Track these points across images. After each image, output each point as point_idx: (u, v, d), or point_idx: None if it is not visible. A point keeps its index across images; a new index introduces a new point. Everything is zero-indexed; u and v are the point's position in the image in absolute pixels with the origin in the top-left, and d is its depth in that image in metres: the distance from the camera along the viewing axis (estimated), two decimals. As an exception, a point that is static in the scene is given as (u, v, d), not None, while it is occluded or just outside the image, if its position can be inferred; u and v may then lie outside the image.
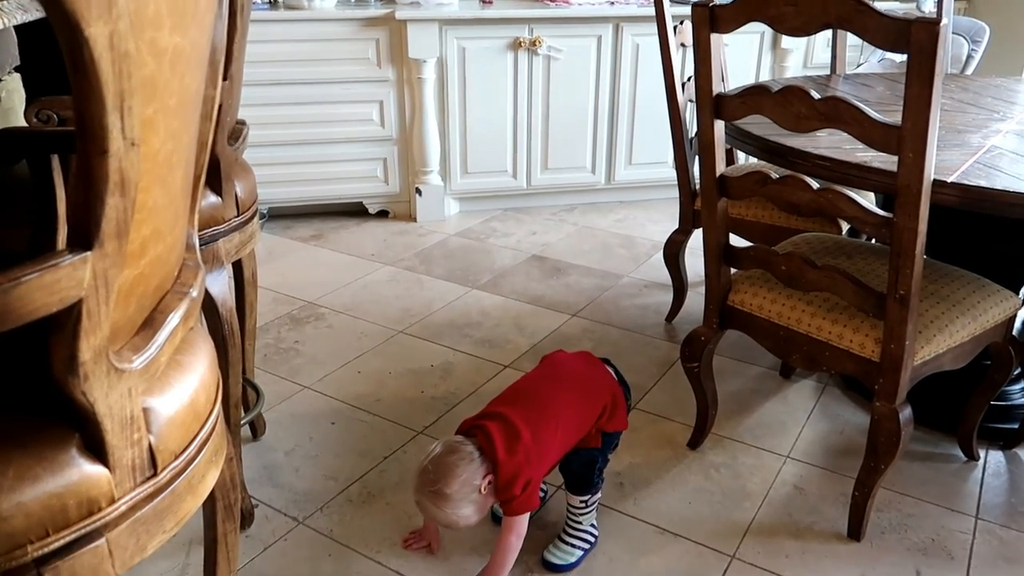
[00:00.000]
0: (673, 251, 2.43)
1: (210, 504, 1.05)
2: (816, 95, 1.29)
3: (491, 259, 3.04)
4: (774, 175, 1.45)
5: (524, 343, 2.40)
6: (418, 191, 3.35)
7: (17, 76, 1.74)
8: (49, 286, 0.55)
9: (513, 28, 3.16)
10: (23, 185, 1.26)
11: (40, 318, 0.57)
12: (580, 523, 1.56)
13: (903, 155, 1.23)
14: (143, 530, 0.74)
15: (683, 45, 2.33)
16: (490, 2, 3.31)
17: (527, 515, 1.44)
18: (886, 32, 1.15)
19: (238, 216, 1.44)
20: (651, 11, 3.15)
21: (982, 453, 1.90)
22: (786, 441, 1.95)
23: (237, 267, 1.73)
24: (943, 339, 1.52)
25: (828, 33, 3.39)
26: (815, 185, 1.39)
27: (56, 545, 0.67)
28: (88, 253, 0.58)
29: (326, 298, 2.69)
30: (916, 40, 1.13)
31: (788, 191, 1.42)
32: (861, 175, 1.45)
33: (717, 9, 1.37)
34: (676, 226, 2.44)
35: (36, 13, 1.09)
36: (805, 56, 3.50)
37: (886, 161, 1.44)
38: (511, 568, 1.47)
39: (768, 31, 3.36)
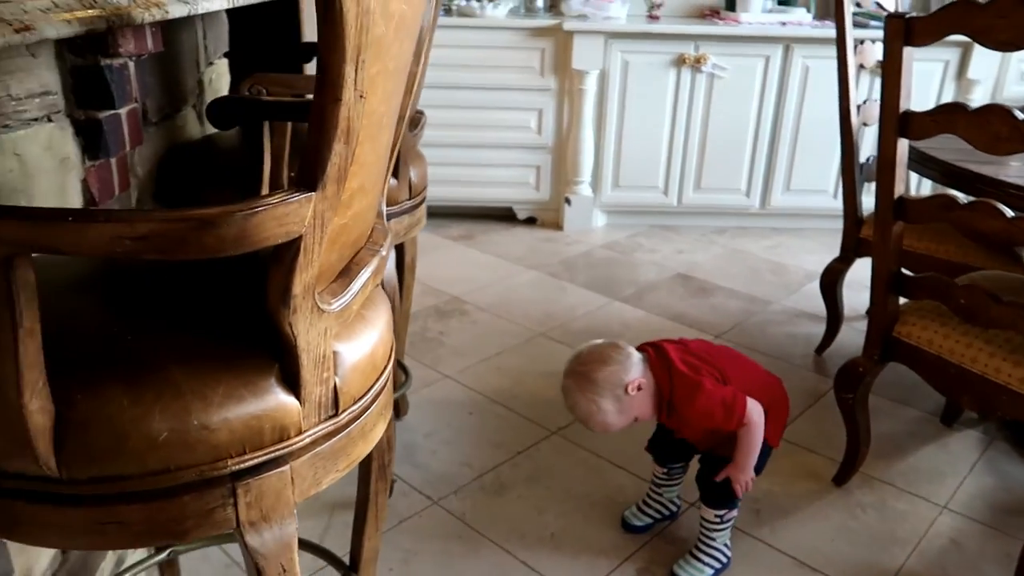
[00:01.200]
0: (831, 280, 2.33)
1: (366, 463, 1.11)
2: (1021, 115, 1.21)
3: (635, 273, 3.02)
4: (962, 199, 1.37)
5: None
6: (567, 200, 3.39)
7: (224, 61, 1.91)
8: (280, 218, 0.61)
9: (679, 44, 3.14)
10: (232, 151, 1.38)
11: (266, 247, 0.63)
12: (714, 540, 1.51)
13: (1120, 184, 1.13)
14: (320, 465, 0.80)
15: (861, 66, 2.23)
16: (657, 17, 3.31)
17: (753, 409, 1.38)
18: (1113, 48, 1.06)
19: (410, 199, 1.51)
20: (823, 33, 3.07)
21: None
22: (944, 491, 1.81)
23: (399, 250, 1.81)
24: None
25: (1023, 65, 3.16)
26: (1010, 213, 1.30)
27: (251, 463, 0.72)
28: (312, 194, 0.63)
29: (471, 295, 2.76)
30: None
31: (978, 218, 1.33)
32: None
33: (914, 21, 1.31)
34: (833, 256, 2.34)
35: None
36: (994, 89, 3.27)
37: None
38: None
39: (954, 59, 3.17)
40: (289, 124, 1.15)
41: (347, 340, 0.81)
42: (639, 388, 1.37)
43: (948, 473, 1.88)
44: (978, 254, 2.00)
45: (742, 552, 1.59)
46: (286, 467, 0.76)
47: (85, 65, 1.11)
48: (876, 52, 2.29)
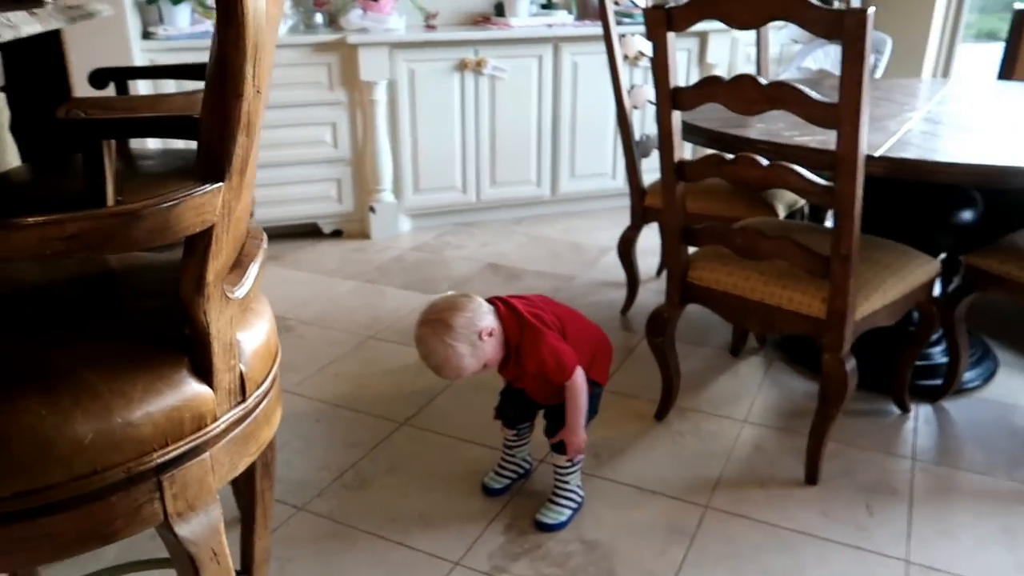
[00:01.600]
0: (626, 246, 2.61)
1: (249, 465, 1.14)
2: (764, 81, 1.48)
3: (448, 269, 3.16)
4: (728, 156, 1.64)
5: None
6: (372, 209, 3.45)
7: (2, 95, 1.79)
8: (197, 208, 0.66)
9: (459, 50, 3.32)
10: (71, 174, 1.32)
11: (183, 237, 0.68)
12: (567, 483, 1.68)
13: (841, 129, 1.43)
14: (235, 450, 0.84)
15: (626, 57, 2.53)
16: (434, 27, 3.47)
17: (579, 374, 1.54)
18: (823, 21, 1.35)
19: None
20: (587, 31, 3.39)
21: (913, 407, 2.11)
22: (742, 408, 2.13)
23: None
24: (879, 297, 1.72)
25: (752, 51, 3.69)
26: (765, 162, 1.58)
27: (174, 454, 0.76)
28: (221, 184, 0.69)
29: (293, 311, 2.75)
30: (848, 27, 1.34)
31: (742, 169, 1.61)
32: (799, 155, 1.65)
33: (672, 10, 1.55)
34: (620, 231, 2.63)
35: (26, 30, 1.18)
36: (728, 71, 3.78)
37: (821, 143, 1.65)
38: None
39: (695, 47, 3.63)
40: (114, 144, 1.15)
41: (245, 329, 0.86)
42: (491, 334, 1.50)
43: (743, 394, 2.20)
44: (742, 208, 2.36)
45: (592, 491, 1.77)
46: (206, 454, 0.80)
47: None
48: (635, 44, 2.59)
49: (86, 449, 0.70)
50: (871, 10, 1.30)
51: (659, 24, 1.56)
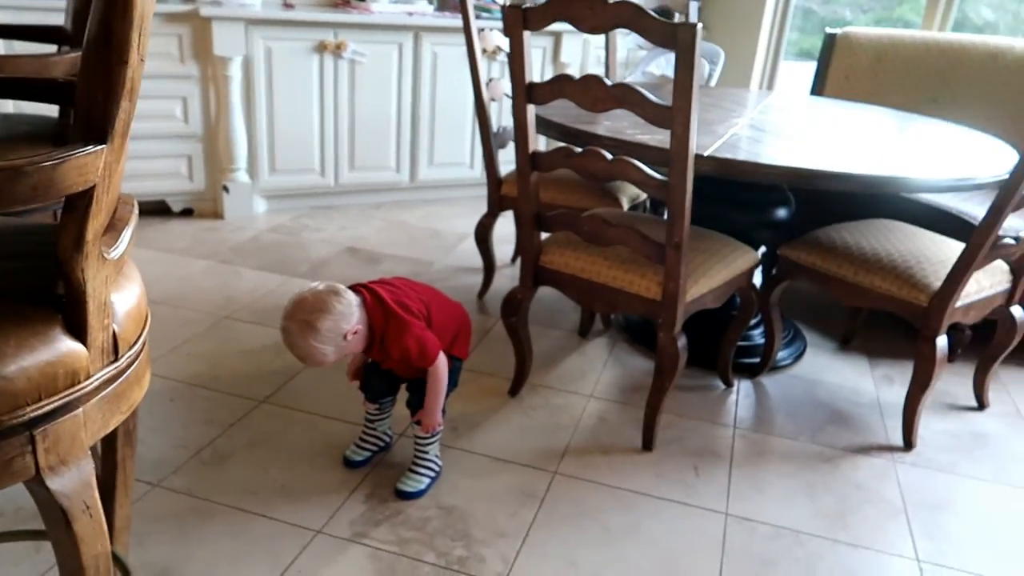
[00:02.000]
0: (483, 233, 2.73)
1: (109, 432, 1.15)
2: (609, 82, 1.63)
3: (306, 251, 3.15)
4: (577, 149, 1.78)
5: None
6: (225, 188, 3.37)
7: None
8: (81, 167, 0.69)
9: (318, 31, 3.31)
10: None
11: (64, 195, 0.70)
12: (427, 453, 1.77)
13: (674, 128, 1.60)
14: (107, 408, 0.86)
15: (484, 50, 2.63)
16: (292, 6, 3.43)
17: (441, 359, 1.64)
18: (660, 32, 1.51)
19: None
20: (447, 22, 3.47)
21: (736, 382, 2.37)
22: (588, 385, 2.30)
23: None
24: (706, 281, 1.93)
25: (602, 53, 3.91)
26: (609, 156, 1.73)
27: (47, 408, 0.78)
28: (103, 146, 0.72)
29: (141, 290, 2.65)
30: (682, 38, 1.50)
31: (588, 162, 1.75)
32: (639, 152, 1.82)
33: (528, 11, 1.67)
34: (478, 219, 2.75)
35: None
36: (580, 69, 3.99)
37: (659, 142, 1.82)
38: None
39: (550, 46, 3.80)
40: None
41: (118, 291, 0.88)
42: (355, 333, 1.56)
43: (589, 371, 2.37)
44: (590, 199, 2.53)
45: (449, 461, 1.87)
46: (79, 410, 0.82)
47: None
48: (494, 39, 2.70)
49: (-42, 401, 0.71)
50: (700, 26, 1.47)
51: (516, 23, 1.68)
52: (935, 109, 3.03)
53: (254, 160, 3.39)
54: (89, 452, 0.84)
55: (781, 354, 2.51)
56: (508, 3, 2.41)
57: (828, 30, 3.33)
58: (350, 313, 1.54)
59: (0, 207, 0.65)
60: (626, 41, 3.72)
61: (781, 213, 2.40)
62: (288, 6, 3.41)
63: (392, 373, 1.75)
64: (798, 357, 2.56)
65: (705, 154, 1.80)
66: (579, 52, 3.91)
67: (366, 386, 1.80)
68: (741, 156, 1.81)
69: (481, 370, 2.32)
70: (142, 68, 0.73)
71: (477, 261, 2.87)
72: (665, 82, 3.39)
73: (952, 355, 2.55)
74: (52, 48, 1.49)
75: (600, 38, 3.72)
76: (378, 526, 1.65)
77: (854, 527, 1.77)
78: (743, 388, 2.35)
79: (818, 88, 3.34)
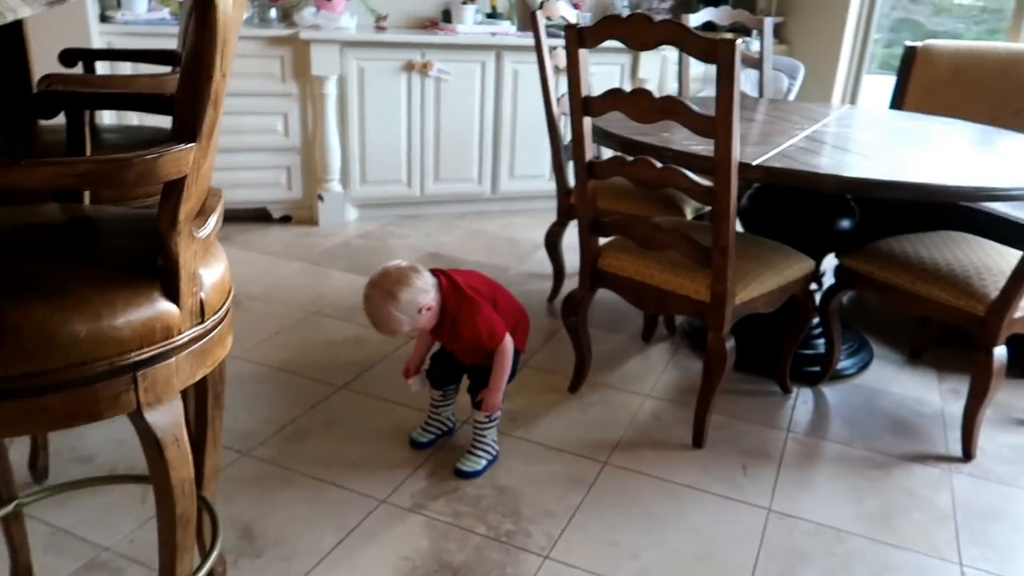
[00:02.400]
0: (553, 239, 2.87)
1: (202, 392, 1.34)
2: (656, 95, 1.74)
3: (391, 256, 3.36)
4: (630, 158, 1.90)
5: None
6: (320, 197, 3.64)
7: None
8: (175, 160, 0.87)
9: (406, 52, 3.54)
10: (54, 139, 1.50)
11: (162, 183, 0.89)
12: (484, 437, 1.92)
13: (717, 138, 1.70)
14: (194, 361, 1.05)
15: (557, 68, 2.78)
16: (384, 28, 3.68)
17: (508, 341, 1.79)
18: (700, 48, 1.61)
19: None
20: (528, 41, 3.64)
21: (795, 389, 2.40)
22: (647, 385, 2.39)
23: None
24: (756, 287, 2.00)
25: (676, 68, 3.99)
26: (659, 165, 1.84)
27: (146, 355, 0.96)
28: (193, 144, 0.90)
29: (240, 288, 2.93)
30: (722, 54, 1.60)
31: (640, 169, 1.86)
32: (689, 160, 1.91)
33: (583, 30, 1.81)
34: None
35: (22, 12, 1.36)
36: (659, 87, 4.08)
37: (710, 151, 1.92)
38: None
39: (628, 63, 3.92)
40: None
41: (206, 267, 1.07)
42: (429, 310, 1.72)
43: (649, 373, 2.46)
44: (654, 209, 2.63)
45: (506, 448, 2.01)
46: (172, 360, 1.00)
47: None
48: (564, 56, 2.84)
49: (80, 343, 0.90)
50: (739, 42, 1.57)
51: (573, 41, 1.82)
52: (1020, 122, 2.97)
53: (347, 171, 3.65)
54: (179, 396, 1.03)
55: (845, 363, 2.53)
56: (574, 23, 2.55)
57: (908, 43, 3.31)
58: (427, 290, 1.71)
59: (114, 189, 0.83)
60: (703, 57, 3.78)
61: (844, 224, 2.42)
62: (380, 28, 3.67)
63: (455, 362, 1.91)
64: (863, 367, 2.57)
65: (754, 163, 1.88)
66: (657, 68, 4.00)
67: (431, 374, 1.96)
68: (790, 166, 1.88)
69: (544, 368, 2.45)
70: (224, 83, 0.91)
71: (550, 268, 3.01)
72: (741, 98, 3.44)
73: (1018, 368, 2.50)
74: (167, 68, 1.73)
75: (675, 54, 3.80)
76: (436, 500, 1.81)
77: (899, 529, 1.80)
78: (802, 395, 2.39)
79: (897, 102, 3.32)
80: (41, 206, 1.18)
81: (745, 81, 3.79)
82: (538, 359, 2.50)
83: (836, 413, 2.30)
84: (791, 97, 3.69)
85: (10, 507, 1.38)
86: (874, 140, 2.37)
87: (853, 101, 4.18)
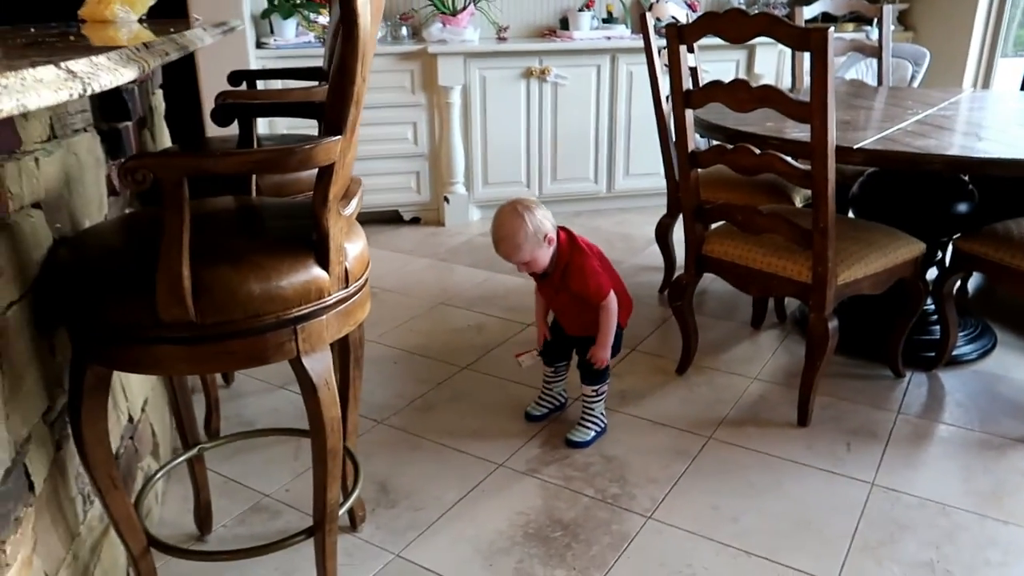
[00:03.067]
0: (663, 232, 2.98)
1: (344, 356, 1.57)
2: (753, 85, 1.84)
3: (511, 252, 3.58)
4: (729, 146, 2.00)
5: (543, 309, 2.93)
6: (446, 199, 3.91)
7: (160, 91, 2.30)
8: (327, 150, 1.09)
9: (525, 59, 3.75)
10: (223, 147, 1.81)
11: (316, 168, 1.11)
12: (593, 410, 2.07)
13: (813, 122, 1.78)
14: (341, 319, 1.27)
15: (666, 66, 2.89)
16: (505, 39, 3.91)
17: (613, 296, 1.92)
18: (792, 37, 1.70)
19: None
20: (639, 44, 3.75)
21: (909, 374, 2.40)
22: (755, 368, 2.46)
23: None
24: (860, 267, 2.04)
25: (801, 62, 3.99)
26: (757, 151, 1.93)
27: (304, 312, 1.19)
28: (339, 137, 1.12)
29: (375, 282, 3.22)
30: (814, 41, 1.69)
31: (740, 156, 1.96)
32: (789, 145, 1.99)
33: (682, 28, 1.93)
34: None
35: (207, 40, 1.64)
36: (776, 79, 4.09)
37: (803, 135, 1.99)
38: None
39: (743, 59, 3.96)
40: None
41: (349, 242, 1.29)
42: (550, 243, 1.87)
43: (757, 358, 2.53)
44: (764, 199, 2.68)
45: (614, 422, 2.15)
46: (323, 317, 1.23)
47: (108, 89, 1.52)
48: (675, 54, 2.95)
49: (255, 299, 1.13)
50: (831, 29, 1.65)
51: (673, 39, 1.94)
52: None
53: (470, 174, 3.90)
54: (329, 347, 1.25)
55: (964, 349, 2.49)
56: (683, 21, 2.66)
57: (1041, 22, 3.18)
58: (553, 226, 1.87)
59: (281, 171, 1.06)
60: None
61: (962, 208, 2.40)
62: (501, 39, 3.90)
63: (565, 340, 2.07)
64: (985, 353, 2.52)
65: (855, 147, 1.94)
66: (774, 63, 4.01)
67: (544, 352, 2.14)
68: (892, 148, 1.93)
69: (653, 352, 2.57)
70: (364, 87, 1.12)
71: (661, 261, 3.11)
72: (859, 86, 3.42)
73: None
74: (314, 83, 1.99)
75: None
76: (548, 465, 1.98)
77: (1009, 506, 1.80)
78: (915, 379, 2.39)
79: (1030, 83, 3.19)
80: (219, 198, 1.45)
81: (866, 71, 3.75)
82: (647, 344, 2.63)
83: (951, 397, 2.29)
84: (915, 84, 3.62)
85: (194, 451, 1.66)
86: (990, 121, 2.34)
87: (986, 86, 4.02)
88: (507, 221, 1.84)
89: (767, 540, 1.70)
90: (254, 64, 3.46)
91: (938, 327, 2.54)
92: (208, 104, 3.37)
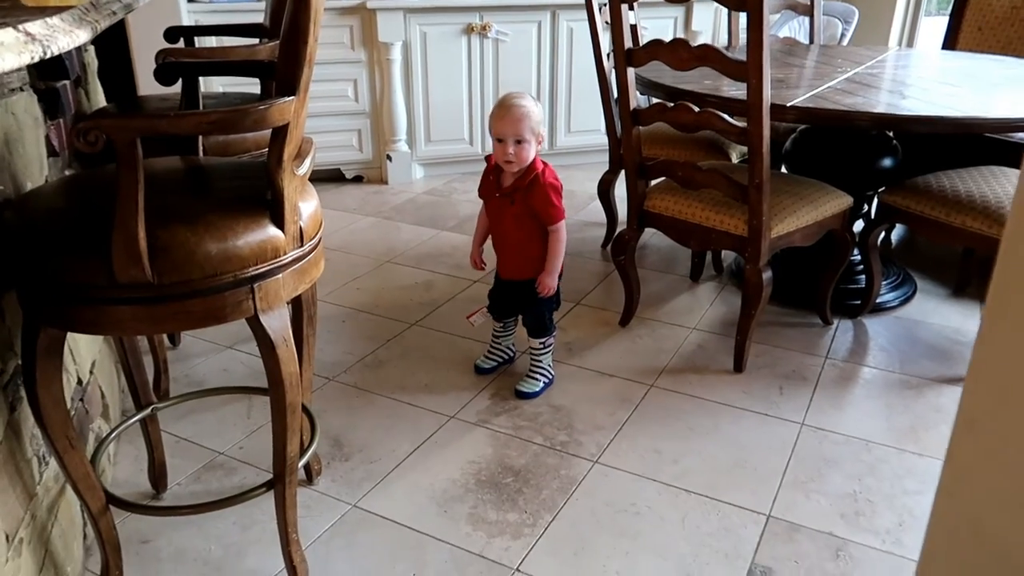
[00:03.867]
0: (605, 188, 3.04)
1: (298, 313, 1.59)
2: (693, 44, 1.90)
3: (455, 209, 3.60)
4: (670, 104, 2.06)
5: (488, 265, 2.97)
6: (389, 157, 3.89)
7: (92, 47, 2.23)
8: (281, 110, 1.10)
9: (466, 15, 3.73)
10: (164, 106, 1.77)
11: (271, 127, 1.12)
12: (541, 361, 2.14)
13: (749, 81, 1.85)
14: (297, 277, 1.29)
15: (606, 23, 2.92)
16: (445, -6, 3.87)
17: (563, 223, 2.01)
18: (731, -2, 1.76)
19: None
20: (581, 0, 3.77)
21: (837, 321, 2.54)
22: (693, 319, 2.57)
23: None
24: (792, 220, 2.14)
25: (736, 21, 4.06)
26: (696, 109, 2.00)
27: (261, 270, 1.21)
28: (293, 97, 1.13)
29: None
30: (751, 3, 1.75)
31: (679, 114, 2.03)
32: (727, 104, 2.06)
33: (624, -14, 1.97)
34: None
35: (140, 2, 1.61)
36: (712, 37, 4.16)
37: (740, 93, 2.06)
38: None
39: (681, 16, 4.01)
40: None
41: (303, 201, 1.30)
42: (539, 143, 1.94)
43: (695, 308, 2.64)
44: (701, 155, 2.77)
45: (561, 374, 2.23)
46: (279, 275, 1.25)
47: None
48: (616, 12, 2.98)
49: (212, 259, 1.14)
50: (766, -11, 1.71)
51: (615, -3, 1.98)
52: (1074, 56, 2.97)
53: (412, 132, 3.88)
54: (286, 305, 1.27)
55: (887, 296, 2.64)
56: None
57: (961, -18, 3.31)
58: (544, 128, 1.96)
59: (237, 132, 1.07)
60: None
61: (886, 163, 2.53)
62: (441, -6, 3.86)
63: (511, 295, 2.12)
64: (905, 300, 2.68)
65: (788, 104, 2.02)
66: (711, 20, 4.08)
67: (492, 307, 2.19)
68: (823, 106, 2.01)
69: (597, 306, 2.65)
70: (316, 47, 1.13)
71: (604, 217, 3.18)
72: (792, 44, 3.52)
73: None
74: (255, 40, 1.97)
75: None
76: (498, 416, 2.05)
77: (924, 440, 1.95)
78: (842, 326, 2.53)
79: (950, 42, 3.34)
80: (169, 159, 1.44)
81: (799, 28, 3.85)
82: (591, 298, 2.70)
83: (875, 342, 2.44)
84: (844, 43, 3.73)
85: (147, 411, 1.67)
86: (914, 80, 2.46)
87: (911, 44, 4.17)
88: (522, 98, 1.93)
89: (706, 479, 1.81)
90: (186, 19, 3.36)
91: (864, 276, 2.68)
92: (140, 61, 3.27)
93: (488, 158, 2.03)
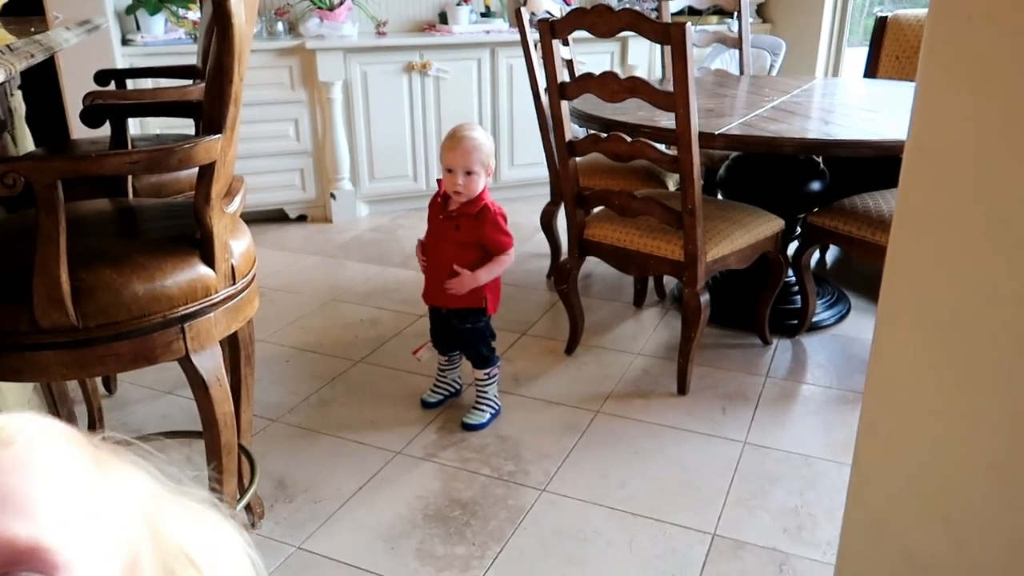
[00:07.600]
0: (547, 219, 3.09)
1: (235, 355, 1.58)
2: (622, 76, 1.96)
3: (401, 246, 3.61)
4: (604, 135, 2.11)
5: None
6: (332, 196, 3.89)
7: (19, 92, 2.20)
8: (207, 148, 1.10)
9: (406, 54, 3.77)
10: (94, 148, 1.75)
11: (197, 166, 1.12)
12: (486, 392, 2.14)
13: (677, 111, 1.91)
14: (229, 316, 1.28)
15: (542, 59, 2.99)
16: (384, 33, 3.92)
17: (512, 256, 2.02)
18: (656, 32, 1.82)
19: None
20: (518, 37, 3.85)
21: (776, 341, 2.60)
22: (638, 344, 2.60)
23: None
24: (727, 244, 2.20)
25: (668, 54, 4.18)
26: (629, 139, 2.05)
27: (191, 310, 1.20)
28: (219, 136, 1.13)
29: (263, 281, 3.17)
30: (674, 36, 1.81)
31: (613, 145, 2.08)
32: (659, 133, 2.12)
33: (554, 23, 2.02)
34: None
35: (72, 42, 1.61)
36: (648, 72, 4.28)
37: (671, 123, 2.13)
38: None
39: (617, 51, 4.12)
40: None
41: (235, 239, 1.30)
42: (488, 175, 1.96)
43: (640, 334, 2.68)
44: (639, 184, 2.83)
45: (508, 404, 2.23)
46: (211, 314, 1.24)
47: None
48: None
49: (139, 300, 1.13)
50: (689, 24, 1.77)
51: (546, 33, 2.03)
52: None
53: (356, 170, 3.89)
54: (219, 344, 1.26)
55: (823, 315, 2.72)
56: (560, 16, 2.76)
57: (878, 13, 3.48)
58: (493, 161, 1.98)
59: (159, 171, 1.06)
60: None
61: (815, 186, 2.62)
62: (381, 34, 3.90)
63: (454, 331, 2.12)
64: (840, 318, 2.76)
65: (716, 132, 2.09)
66: (646, 54, 4.20)
67: (436, 343, 2.19)
68: (748, 132, 2.09)
69: (542, 336, 2.67)
70: (242, 86, 1.14)
71: (547, 248, 3.22)
72: (723, 76, 3.64)
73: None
74: (188, 81, 1.96)
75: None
76: (446, 449, 2.04)
77: (862, 454, 1.99)
78: (781, 345, 2.59)
79: (871, 71, 3.49)
80: (95, 201, 1.42)
81: (730, 60, 3.98)
82: (537, 328, 2.72)
83: (813, 359, 2.50)
84: (774, 73, 3.88)
85: (81, 460, 1.62)
86: (837, 106, 2.56)
87: (836, 73, 4.35)
88: (473, 129, 1.95)
89: (652, 501, 1.82)
90: (120, 62, 3.33)
91: (799, 296, 2.76)
92: (72, 105, 3.22)
93: (440, 181, 2.05)
